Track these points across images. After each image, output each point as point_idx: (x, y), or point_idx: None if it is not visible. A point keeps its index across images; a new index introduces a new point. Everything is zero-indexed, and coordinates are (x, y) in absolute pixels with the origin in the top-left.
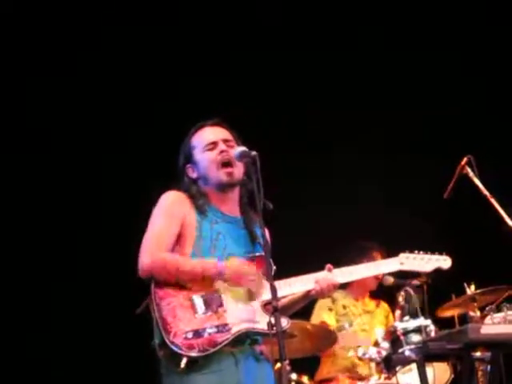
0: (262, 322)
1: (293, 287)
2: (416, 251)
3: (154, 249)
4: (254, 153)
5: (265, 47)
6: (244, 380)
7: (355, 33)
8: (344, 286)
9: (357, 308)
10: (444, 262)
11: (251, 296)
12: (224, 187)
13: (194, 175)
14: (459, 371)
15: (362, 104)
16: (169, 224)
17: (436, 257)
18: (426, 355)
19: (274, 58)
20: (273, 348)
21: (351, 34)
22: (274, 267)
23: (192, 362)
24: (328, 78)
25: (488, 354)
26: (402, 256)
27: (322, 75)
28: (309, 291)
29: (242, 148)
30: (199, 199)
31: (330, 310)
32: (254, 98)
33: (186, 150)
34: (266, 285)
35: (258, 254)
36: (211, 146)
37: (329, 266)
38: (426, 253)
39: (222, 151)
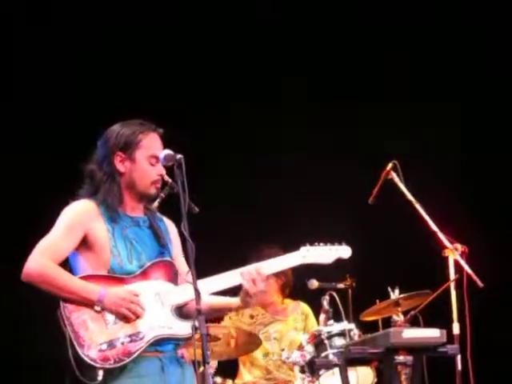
0: (174, 327)
1: (214, 284)
2: (316, 243)
3: (43, 256)
4: (179, 156)
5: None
6: None
7: None
8: None
9: (266, 317)
10: (344, 251)
11: (162, 301)
12: (147, 199)
13: (121, 168)
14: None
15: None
16: (66, 237)
17: (336, 247)
18: (348, 359)
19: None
20: (196, 351)
21: None
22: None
23: (108, 373)
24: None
25: (410, 358)
26: (303, 249)
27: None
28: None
29: (168, 151)
30: (111, 211)
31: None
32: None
33: (129, 138)
34: (175, 288)
35: (162, 259)
36: (154, 160)
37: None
38: (326, 244)
39: (161, 175)
